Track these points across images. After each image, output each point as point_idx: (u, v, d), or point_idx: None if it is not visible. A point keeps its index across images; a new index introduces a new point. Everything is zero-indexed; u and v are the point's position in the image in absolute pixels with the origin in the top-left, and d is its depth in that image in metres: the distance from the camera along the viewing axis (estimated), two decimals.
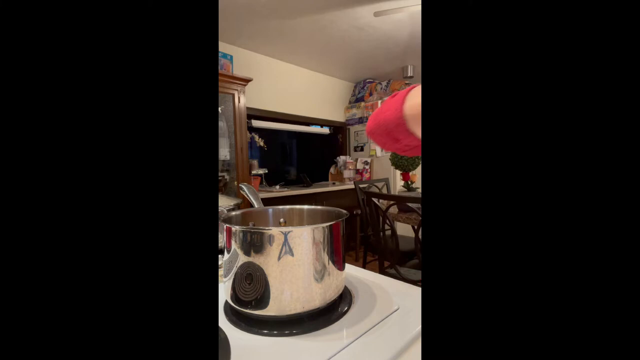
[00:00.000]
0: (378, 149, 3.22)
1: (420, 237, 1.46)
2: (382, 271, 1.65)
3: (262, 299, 0.40)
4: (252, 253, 0.40)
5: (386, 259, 1.65)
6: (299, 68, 3.06)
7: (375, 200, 1.61)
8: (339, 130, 3.61)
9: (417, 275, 1.52)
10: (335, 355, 0.36)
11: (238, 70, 2.43)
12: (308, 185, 2.86)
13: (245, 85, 2.25)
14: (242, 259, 0.41)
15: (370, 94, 3.36)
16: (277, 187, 2.73)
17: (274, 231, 0.40)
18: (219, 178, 2.15)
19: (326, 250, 0.42)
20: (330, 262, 0.43)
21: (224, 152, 2.15)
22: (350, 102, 3.56)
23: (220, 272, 0.50)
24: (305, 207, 0.60)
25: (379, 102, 3.14)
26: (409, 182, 1.90)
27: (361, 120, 3.39)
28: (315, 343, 0.38)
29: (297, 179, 3.17)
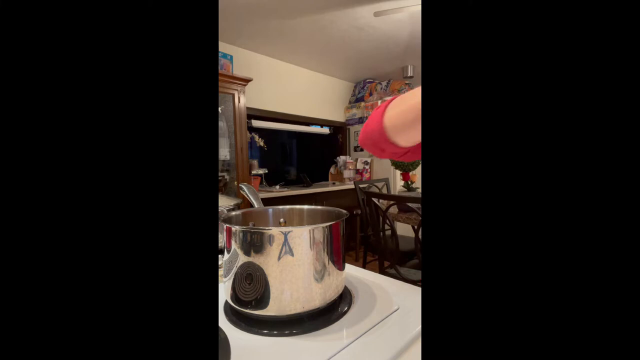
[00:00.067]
0: None
1: (420, 237, 1.46)
2: (382, 271, 1.65)
3: (262, 299, 0.40)
4: (252, 253, 0.40)
5: (386, 259, 1.65)
6: (299, 68, 3.06)
7: (375, 200, 1.61)
8: (339, 130, 3.61)
9: (417, 275, 1.52)
10: (335, 355, 0.36)
11: (238, 70, 2.43)
12: (308, 185, 2.86)
13: (245, 85, 2.25)
14: (242, 259, 0.41)
15: (370, 94, 3.36)
16: (277, 187, 2.73)
17: (274, 231, 0.40)
18: (219, 178, 2.15)
19: (326, 250, 0.42)
20: (330, 262, 0.43)
21: (224, 152, 2.15)
22: (350, 102, 3.56)
23: (220, 272, 0.50)
24: (305, 207, 0.60)
25: (379, 102, 3.14)
26: (409, 182, 1.90)
27: (361, 120, 3.39)
28: (315, 343, 0.38)
29: (297, 179, 3.17)
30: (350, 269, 0.63)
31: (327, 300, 0.43)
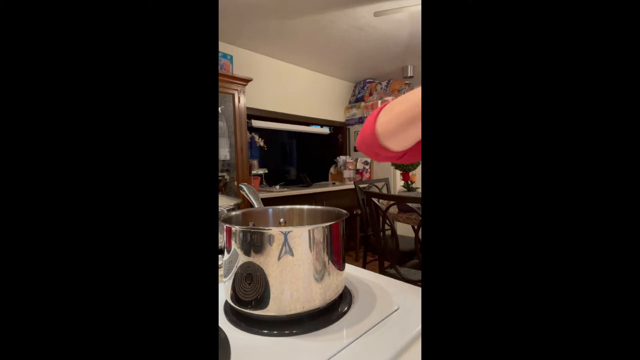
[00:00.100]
0: None
1: (420, 237, 1.46)
2: (382, 271, 1.65)
3: (262, 299, 0.40)
4: (252, 253, 0.40)
5: (386, 259, 1.65)
6: (299, 68, 3.06)
7: (375, 200, 1.61)
8: (339, 130, 3.61)
9: (417, 275, 1.52)
10: (335, 355, 0.36)
11: (238, 70, 2.43)
12: (308, 185, 2.86)
13: (245, 85, 2.25)
14: (242, 259, 0.41)
15: (370, 94, 3.36)
16: (277, 187, 2.73)
17: (274, 231, 0.40)
18: (219, 178, 2.15)
19: (326, 250, 0.42)
20: (330, 262, 0.43)
21: (224, 152, 2.15)
22: (350, 102, 3.56)
23: (220, 272, 0.50)
24: (305, 207, 0.60)
25: (379, 102, 3.14)
26: (409, 182, 1.90)
27: (361, 120, 3.39)
28: (315, 343, 0.38)
29: (297, 179, 3.17)
30: (350, 269, 0.63)
31: (327, 300, 0.43)
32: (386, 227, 1.64)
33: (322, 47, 2.62)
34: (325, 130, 3.52)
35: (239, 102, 2.22)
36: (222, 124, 2.12)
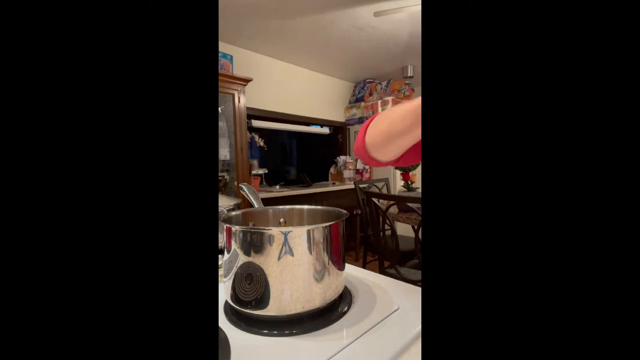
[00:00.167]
0: None
1: (420, 237, 1.46)
2: (382, 271, 1.65)
3: (262, 299, 0.40)
4: (252, 253, 0.40)
5: (386, 259, 1.65)
6: (299, 68, 3.06)
7: (375, 200, 1.61)
8: (339, 130, 3.61)
9: (417, 275, 1.52)
10: (335, 355, 0.35)
11: (238, 70, 2.42)
12: (308, 185, 2.86)
13: (245, 85, 2.25)
14: (242, 259, 0.41)
15: (370, 94, 3.36)
16: (277, 187, 2.73)
17: (274, 231, 0.40)
18: (219, 178, 2.15)
19: (326, 250, 0.42)
20: (330, 262, 0.43)
21: (224, 152, 2.15)
22: (350, 102, 3.56)
23: (220, 272, 0.50)
24: (305, 207, 0.60)
25: (379, 102, 3.14)
26: (409, 182, 1.90)
27: (361, 120, 3.39)
28: (315, 343, 0.38)
29: (297, 179, 3.17)
30: (350, 269, 0.63)
31: (327, 300, 0.43)
32: (386, 227, 1.64)
33: (322, 47, 2.62)
34: (325, 130, 3.52)
35: (239, 102, 2.22)
36: (222, 124, 2.12)
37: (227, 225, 0.43)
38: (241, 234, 0.41)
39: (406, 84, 3.22)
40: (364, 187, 2.30)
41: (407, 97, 3.23)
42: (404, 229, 2.45)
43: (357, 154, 0.49)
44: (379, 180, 2.62)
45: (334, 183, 3.22)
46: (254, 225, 0.57)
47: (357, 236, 2.87)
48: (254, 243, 0.40)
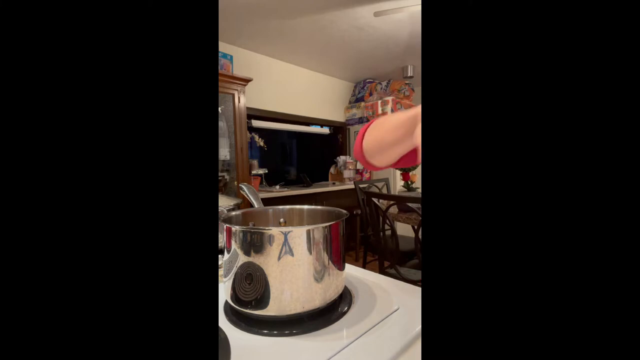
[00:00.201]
0: None
1: (420, 237, 1.46)
2: (382, 271, 1.65)
3: (262, 299, 0.40)
4: (252, 253, 0.40)
5: (386, 259, 1.65)
6: (299, 68, 3.06)
7: (375, 200, 1.61)
8: (339, 130, 3.61)
9: (417, 275, 1.52)
10: (335, 355, 0.36)
11: (238, 70, 2.42)
12: (308, 185, 2.86)
13: (245, 85, 2.25)
14: (242, 259, 0.41)
15: (370, 94, 3.36)
16: (277, 187, 2.72)
17: (274, 231, 0.40)
18: (219, 178, 2.15)
19: (326, 250, 0.42)
20: (330, 262, 0.43)
21: (224, 152, 2.15)
22: (350, 102, 3.56)
23: (220, 272, 0.50)
24: (305, 207, 0.60)
25: (379, 102, 3.14)
26: (409, 182, 1.90)
27: (361, 120, 3.39)
28: (315, 343, 0.38)
29: (297, 179, 3.16)
30: (350, 269, 0.63)
31: (327, 300, 0.43)
32: (386, 227, 1.64)
33: (322, 47, 2.61)
34: (325, 130, 3.52)
35: (239, 102, 2.22)
36: (222, 124, 2.12)
37: (227, 225, 0.43)
38: (241, 234, 0.41)
39: (406, 84, 3.22)
40: (364, 187, 2.30)
41: (407, 97, 3.23)
42: (404, 229, 2.45)
43: (356, 157, 0.50)
44: (379, 180, 2.62)
45: (334, 183, 3.21)
46: (254, 225, 0.57)
47: (357, 236, 2.87)
48: (254, 243, 0.40)
